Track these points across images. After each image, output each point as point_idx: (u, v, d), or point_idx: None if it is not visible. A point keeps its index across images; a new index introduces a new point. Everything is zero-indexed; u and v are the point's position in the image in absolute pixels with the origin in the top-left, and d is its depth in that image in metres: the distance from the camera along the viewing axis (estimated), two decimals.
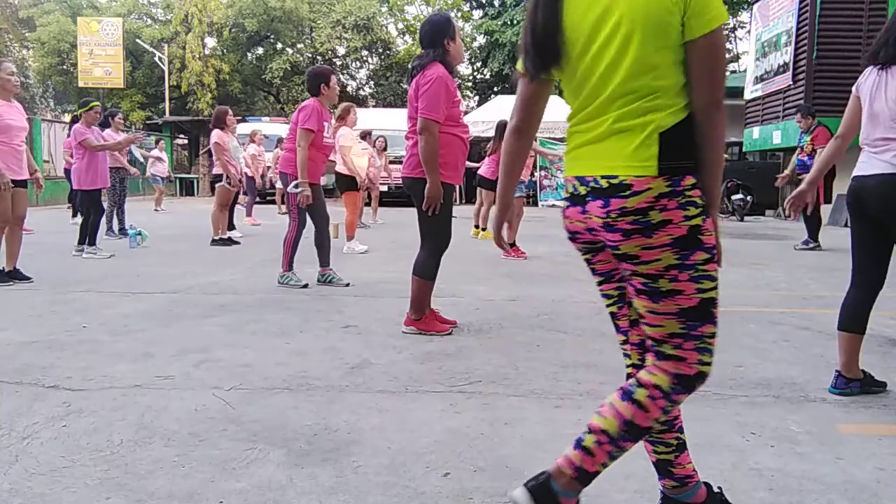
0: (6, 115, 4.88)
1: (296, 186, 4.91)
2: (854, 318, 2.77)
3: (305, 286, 5.10)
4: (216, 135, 7.91)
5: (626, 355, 1.69)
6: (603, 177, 1.47)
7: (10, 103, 4.96)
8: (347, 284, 5.19)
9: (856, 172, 2.76)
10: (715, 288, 1.49)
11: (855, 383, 2.75)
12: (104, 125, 7.84)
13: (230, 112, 8.33)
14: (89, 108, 6.82)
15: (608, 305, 1.69)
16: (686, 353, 1.50)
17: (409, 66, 3.72)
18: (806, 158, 8.09)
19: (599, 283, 1.67)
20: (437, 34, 3.56)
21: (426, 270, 3.70)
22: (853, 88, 2.81)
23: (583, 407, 2.57)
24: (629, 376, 1.64)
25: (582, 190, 1.53)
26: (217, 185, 8.08)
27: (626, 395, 1.52)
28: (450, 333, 3.71)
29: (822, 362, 3.22)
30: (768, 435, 2.32)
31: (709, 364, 1.52)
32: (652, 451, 1.67)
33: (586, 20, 1.49)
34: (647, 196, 1.42)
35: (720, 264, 1.50)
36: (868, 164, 2.69)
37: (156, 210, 13.51)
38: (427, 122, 3.45)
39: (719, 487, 1.76)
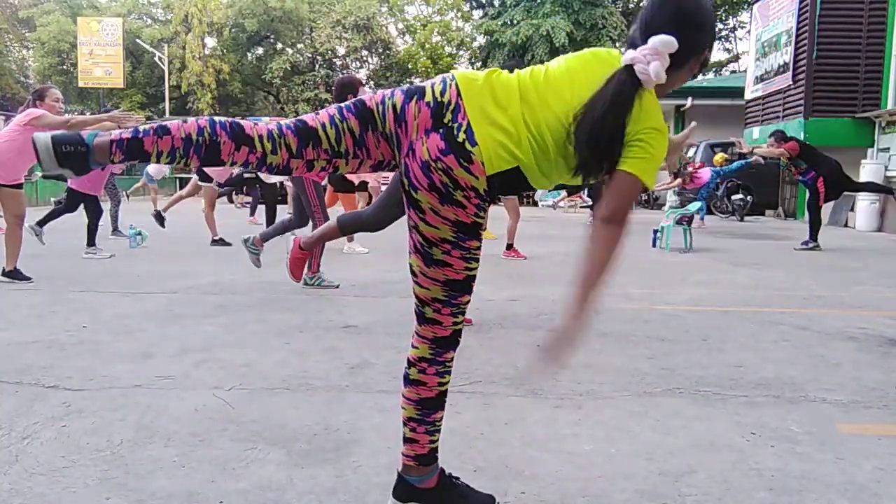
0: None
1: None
2: None
3: (337, 287, 5.07)
4: None
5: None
6: (469, 128, 1.47)
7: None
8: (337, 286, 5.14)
9: None
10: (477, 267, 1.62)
11: None
12: None
13: None
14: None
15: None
16: (443, 317, 1.61)
17: None
18: (800, 177, 8.26)
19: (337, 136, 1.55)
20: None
21: None
22: None
23: (583, 407, 2.57)
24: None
25: (448, 117, 1.49)
26: (204, 186, 8.09)
27: (405, 380, 1.68)
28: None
29: (822, 362, 3.22)
30: (768, 435, 2.32)
31: (461, 323, 1.65)
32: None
33: None
34: (469, 179, 1.47)
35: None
36: None
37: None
38: None
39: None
